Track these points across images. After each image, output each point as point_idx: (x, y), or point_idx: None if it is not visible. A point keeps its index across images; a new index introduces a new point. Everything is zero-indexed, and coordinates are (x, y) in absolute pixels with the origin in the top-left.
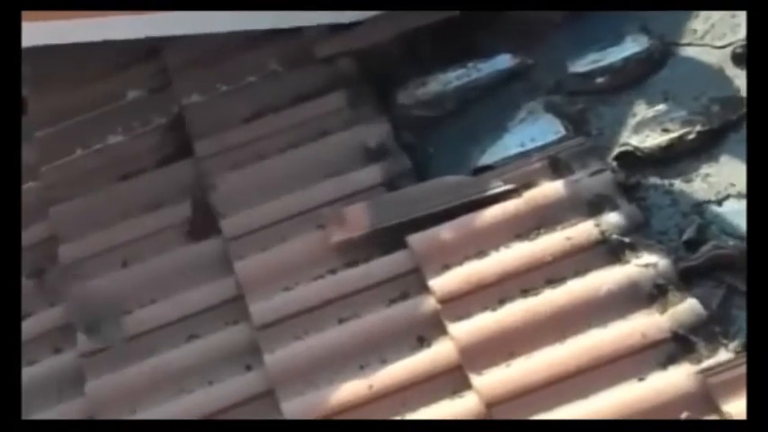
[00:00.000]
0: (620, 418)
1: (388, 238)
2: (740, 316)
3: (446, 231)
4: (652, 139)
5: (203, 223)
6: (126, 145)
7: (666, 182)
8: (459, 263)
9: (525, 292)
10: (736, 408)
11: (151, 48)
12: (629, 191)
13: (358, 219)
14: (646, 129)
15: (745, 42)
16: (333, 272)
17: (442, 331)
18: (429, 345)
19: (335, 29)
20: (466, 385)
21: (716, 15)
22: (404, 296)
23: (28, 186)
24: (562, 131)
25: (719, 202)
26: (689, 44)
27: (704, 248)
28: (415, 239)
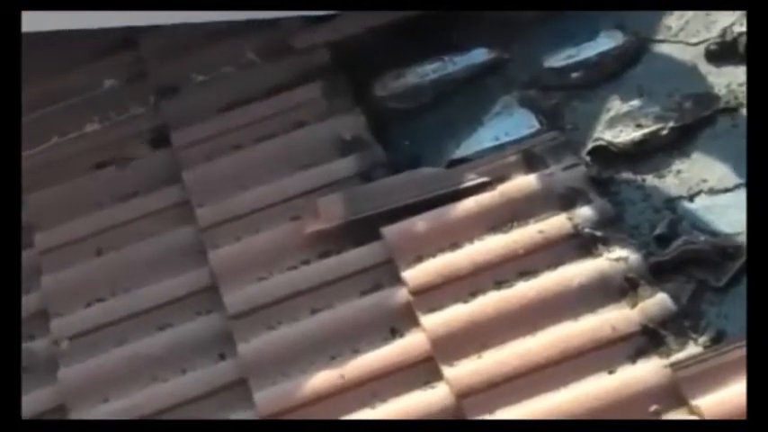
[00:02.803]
0: (590, 410)
1: (362, 230)
2: (709, 311)
3: (420, 223)
4: (625, 135)
5: None
6: (102, 134)
7: (639, 177)
8: (433, 255)
9: (498, 285)
10: (704, 402)
11: (128, 37)
12: (602, 185)
13: (332, 210)
14: (619, 124)
15: (718, 40)
16: (306, 263)
17: (415, 323)
18: (401, 336)
19: (313, 20)
20: (437, 376)
21: (690, 12)
22: (377, 287)
23: None
24: (536, 126)
25: (691, 198)
26: (663, 41)
27: (675, 244)
28: (388, 231)
